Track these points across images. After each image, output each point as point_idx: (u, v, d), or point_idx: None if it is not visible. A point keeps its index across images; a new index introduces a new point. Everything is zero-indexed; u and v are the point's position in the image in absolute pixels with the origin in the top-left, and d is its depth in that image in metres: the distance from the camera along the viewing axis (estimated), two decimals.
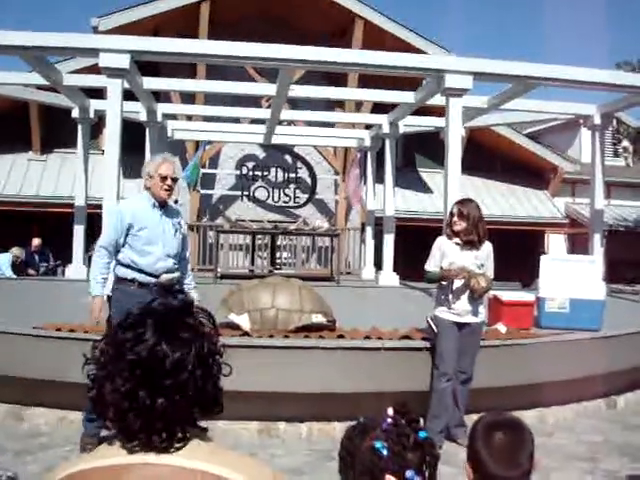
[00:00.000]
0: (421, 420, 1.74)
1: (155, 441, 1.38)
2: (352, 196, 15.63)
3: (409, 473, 1.64)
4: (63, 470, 1.43)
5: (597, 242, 11.65)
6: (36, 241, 14.38)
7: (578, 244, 18.88)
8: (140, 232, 4.99)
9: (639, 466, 5.19)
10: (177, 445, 1.39)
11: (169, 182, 5.09)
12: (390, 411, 1.75)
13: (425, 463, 1.70)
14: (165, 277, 5.05)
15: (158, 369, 1.38)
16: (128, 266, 5.01)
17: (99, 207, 8.50)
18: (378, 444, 1.67)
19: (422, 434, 1.72)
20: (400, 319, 6.89)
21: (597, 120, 11.63)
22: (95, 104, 12.07)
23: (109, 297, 5.13)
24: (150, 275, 4.99)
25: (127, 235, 4.99)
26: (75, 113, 12.20)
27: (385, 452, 1.66)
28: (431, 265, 5.57)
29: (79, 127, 12.36)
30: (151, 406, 1.37)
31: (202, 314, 1.52)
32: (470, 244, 5.47)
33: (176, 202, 5.47)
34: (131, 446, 1.39)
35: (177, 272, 5.22)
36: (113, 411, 1.41)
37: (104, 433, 4.44)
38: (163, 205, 5.15)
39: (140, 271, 4.98)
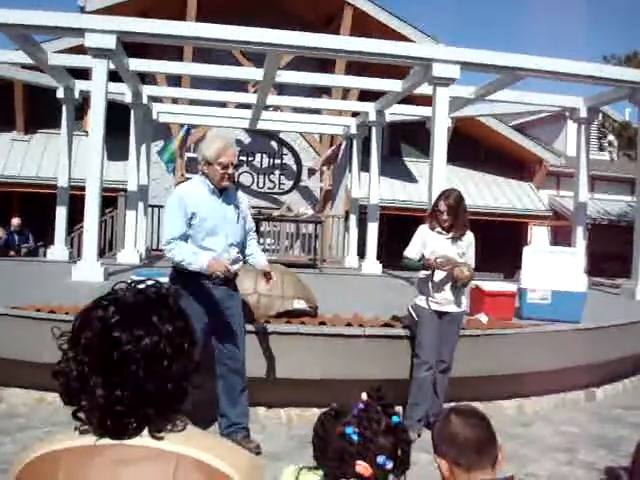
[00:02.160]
0: (396, 406, 1.73)
1: (107, 427, 1.36)
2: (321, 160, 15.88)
3: (380, 459, 1.64)
4: (35, 451, 1.42)
5: (580, 235, 11.70)
6: (15, 221, 14.26)
7: (561, 237, 18.98)
8: (202, 223, 4.68)
9: (616, 458, 5.23)
10: (129, 435, 1.36)
11: (230, 171, 4.73)
12: (364, 396, 1.74)
13: (398, 448, 1.69)
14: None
15: (107, 358, 1.35)
16: None
17: (82, 189, 8.45)
18: (349, 430, 1.67)
19: (395, 419, 1.71)
20: (382, 307, 6.89)
21: (583, 113, 11.66)
22: (80, 84, 11.96)
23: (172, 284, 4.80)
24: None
25: (190, 225, 4.68)
26: (60, 93, 12.06)
27: (356, 438, 1.65)
28: (411, 252, 5.57)
29: (64, 107, 12.23)
30: (97, 395, 1.35)
31: (176, 310, 1.46)
32: (453, 234, 5.48)
33: (237, 189, 5.07)
34: (83, 429, 1.38)
35: (241, 262, 4.98)
36: (66, 389, 1.39)
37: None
38: (222, 190, 4.81)
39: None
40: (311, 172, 17.53)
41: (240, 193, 5.10)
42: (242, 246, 4.99)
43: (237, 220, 4.87)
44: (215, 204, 4.75)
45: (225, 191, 4.82)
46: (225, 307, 4.86)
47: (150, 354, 1.37)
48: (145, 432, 1.37)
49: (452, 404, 2.18)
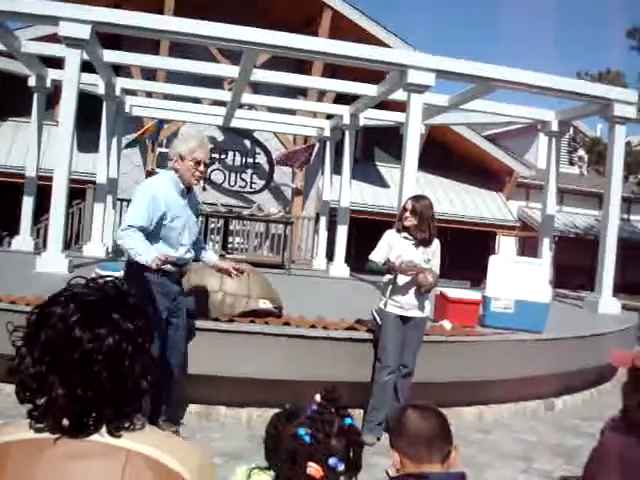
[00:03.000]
0: (357, 409, 1.72)
1: (63, 426, 1.34)
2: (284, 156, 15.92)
3: (332, 460, 1.63)
4: None
5: (546, 246, 11.82)
6: None
7: (528, 247, 19.19)
8: (173, 222, 4.68)
9: (572, 467, 5.29)
10: (85, 433, 1.34)
11: (202, 168, 4.76)
12: (317, 397, 1.73)
13: (350, 450, 1.68)
14: (186, 268, 4.98)
15: (66, 357, 1.32)
16: None
17: (50, 179, 8.35)
18: (301, 431, 1.66)
19: (347, 421, 1.70)
20: (348, 310, 6.90)
21: (554, 126, 11.78)
22: (53, 74, 11.82)
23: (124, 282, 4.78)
24: (175, 265, 4.75)
25: (159, 224, 4.63)
26: (32, 82, 11.90)
27: (308, 439, 1.64)
28: (376, 256, 5.58)
29: (35, 96, 12.10)
30: (57, 394, 1.32)
31: (136, 308, 1.45)
32: (420, 241, 5.49)
33: (205, 189, 5.12)
34: (38, 427, 1.35)
35: (191, 263, 5.10)
36: (24, 388, 1.37)
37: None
38: (189, 190, 4.85)
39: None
40: (274, 162, 17.45)
41: (196, 192, 5.14)
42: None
43: (196, 221, 4.99)
44: (182, 203, 4.77)
45: (190, 191, 4.86)
46: (177, 302, 4.89)
47: (112, 353, 1.35)
48: (102, 429, 1.35)
49: None
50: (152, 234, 4.64)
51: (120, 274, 4.88)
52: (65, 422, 1.33)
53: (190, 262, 5.06)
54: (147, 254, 4.45)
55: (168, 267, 4.60)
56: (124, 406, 1.39)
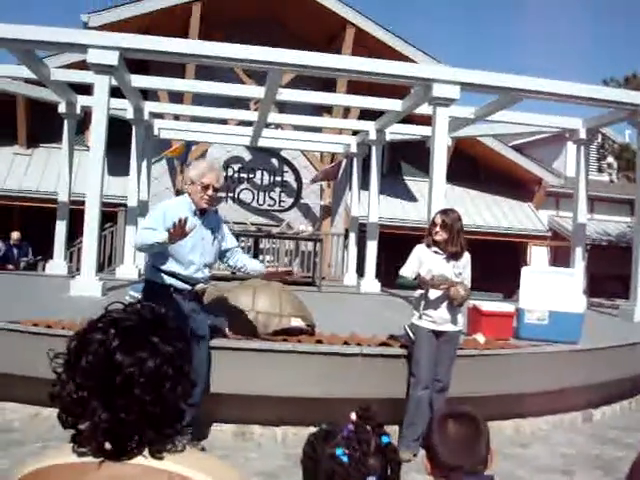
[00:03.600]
0: (392, 426, 1.72)
1: (105, 450, 1.35)
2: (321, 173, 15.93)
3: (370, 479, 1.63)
4: (30, 466, 1.42)
5: (579, 255, 11.71)
6: (15, 234, 14.28)
7: (560, 257, 19.00)
8: (190, 244, 4.84)
9: (612, 479, 5.21)
10: (127, 457, 1.36)
11: (210, 192, 4.92)
12: (353, 416, 1.73)
13: (387, 468, 1.68)
14: (199, 287, 5.04)
15: (109, 382, 1.34)
16: (167, 273, 4.88)
17: (82, 203, 8.46)
18: (339, 451, 1.65)
19: (385, 439, 1.70)
20: (380, 326, 6.88)
21: (582, 134, 11.71)
22: (82, 100, 12.03)
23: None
24: (187, 282, 4.92)
25: None
26: (62, 108, 12.13)
27: (346, 459, 1.64)
28: (406, 271, 5.57)
29: (65, 122, 12.30)
30: (100, 418, 1.34)
31: (175, 331, 1.47)
32: (451, 254, 5.48)
33: (216, 212, 5.30)
34: (81, 451, 1.37)
35: (209, 282, 5.22)
36: (67, 413, 1.39)
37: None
38: (203, 212, 5.00)
39: (179, 279, 4.88)
40: (306, 185, 17.53)
41: (219, 216, 5.36)
42: (211, 267, 5.20)
43: (212, 242, 5.06)
44: (197, 225, 4.85)
45: (205, 213, 5.01)
46: (192, 321, 4.95)
47: (153, 376, 1.36)
48: (144, 452, 1.37)
49: None
50: (161, 252, 4.80)
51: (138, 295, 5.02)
52: (107, 446, 1.35)
53: (205, 281, 5.14)
54: (161, 235, 4.56)
55: (179, 284, 4.83)
56: (165, 428, 1.40)
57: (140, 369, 1.36)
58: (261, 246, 15.37)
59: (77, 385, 1.36)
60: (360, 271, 13.78)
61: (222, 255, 5.30)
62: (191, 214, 4.86)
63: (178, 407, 1.42)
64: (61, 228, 12.08)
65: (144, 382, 1.35)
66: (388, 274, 12.58)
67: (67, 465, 1.37)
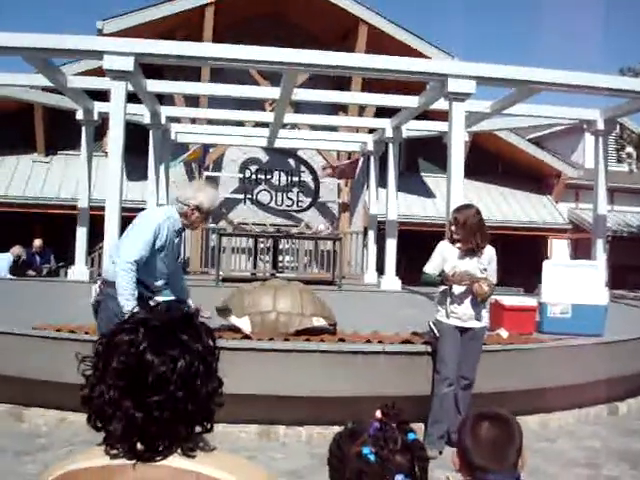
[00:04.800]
0: (417, 423, 1.72)
1: (138, 450, 1.37)
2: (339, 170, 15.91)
3: (399, 477, 1.62)
4: (55, 470, 1.43)
5: (600, 248, 11.61)
6: (37, 242, 14.38)
7: (581, 250, 18.86)
8: (163, 255, 4.87)
9: (639, 472, 5.17)
10: (160, 456, 1.37)
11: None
12: (378, 414, 1.73)
13: (415, 466, 1.68)
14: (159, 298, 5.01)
15: (141, 381, 1.36)
16: (138, 281, 4.78)
17: (102, 209, 8.51)
18: (365, 450, 1.65)
19: (411, 436, 1.69)
20: (401, 323, 6.88)
21: (600, 125, 11.60)
22: (99, 106, 12.09)
23: (98, 302, 4.92)
24: (150, 290, 4.94)
25: (151, 254, 4.78)
26: (79, 115, 12.21)
27: (373, 458, 1.63)
28: (430, 267, 5.56)
29: (83, 129, 12.39)
30: (133, 417, 1.35)
31: (202, 330, 1.48)
32: (471, 251, 5.46)
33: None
34: (113, 453, 1.38)
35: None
36: (98, 415, 1.40)
37: None
38: (182, 230, 5.09)
39: (146, 287, 4.86)
40: (323, 170, 17.48)
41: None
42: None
43: (177, 258, 5.15)
44: (175, 241, 4.99)
45: (183, 230, 5.09)
46: None
47: (185, 374, 1.38)
48: (174, 453, 1.38)
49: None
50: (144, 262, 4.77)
51: (172, 297, 5.04)
52: (139, 446, 1.36)
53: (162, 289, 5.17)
54: (130, 303, 4.54)
55: (143, 291, 4.79)
56: (196, 425, 1.42)
57: (171, 367, 1.37)
58: (280, 247, 15.39)
59: (108, 386, 1.37)
60: (380, 269, 13.75)
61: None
62: (175, 230, 4.94)
63: (209, 404, 1.43)
64: (82, 234, 12.16)
65: (176, 379, 1.37)
66: (408, 271, 12.58)
67: (95, 469, 1.38)
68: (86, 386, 1.42)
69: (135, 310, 4.35)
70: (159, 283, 4.96)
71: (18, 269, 13.50)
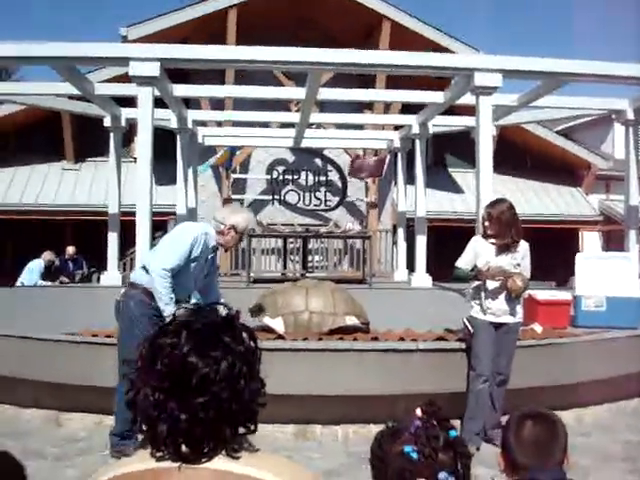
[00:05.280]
0: (453, 420, 1.72)
1: (183, 452, 1.38)
2: (365, 168, 15.85)
3: (442, 475, 1.62)
4: (102, 475, 1.44)
5: (633, 239, 11.47)
6: (70, 249, 14.53)
7: (613, 242, 18.65)
8: (192, 268, 4.95)
9: None
10: (205, 458, 1.38)
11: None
12: (418, 412, 1.73)
13: (458, 463, 1.67)
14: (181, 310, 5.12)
15: (185, 383, 1.37)
16: None
17: (132, 214, 8.59)
18: (408, 448, 1.65)
19: (452, 433, 1.69)
20: (434, 320, 6.86)
21: (630, 115, 11.46)
22: (126, 112, 12.19)
23: (120, 303, 5.05)
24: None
25: (184, 265, 4.88)
26: (107, 122, 12.33)
27: (415, 456, 1.63)
28: (462, 263, 5.54)
29: (111, 135, 12.50)
30: (178, 419, 1.36)
31: (244, 331, 1.49)
32: (505, 246, 5.43)
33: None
34: (159, 455, 1.39)
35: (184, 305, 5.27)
36: (143, 418, 1.42)
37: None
38: (217, 248, 5.20)
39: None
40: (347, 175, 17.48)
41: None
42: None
43: (205, 276, 5.19)
44: (209, 257, 5.09)
45: (217, 249, 5.20)
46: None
47: (228, 375, 1.39)
48: (219, 455, 1.39)
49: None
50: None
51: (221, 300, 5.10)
52: (185, 448, 1.38)
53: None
54: (170, 307, 4.68)
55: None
56: (240, 426, 1.44)
57: (215, 368, 1.38)
58: (310, 246, 15.42)
59: (153, 388, 1.39)
60: (410, 266, 13.71)
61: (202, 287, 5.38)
62: (210, 246, 5.05)
63: (251, 405, 1.44)
64: (113, 239, 12.27)
65: (220, 380, 1.38)
66: (438, 267, 12.52)
67: (143, 471, 1.39)
68: (131, 389, 1.44)
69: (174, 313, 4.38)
70: (180, 295, 4.97)
71: (51, 275, 13.65)
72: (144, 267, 4.99)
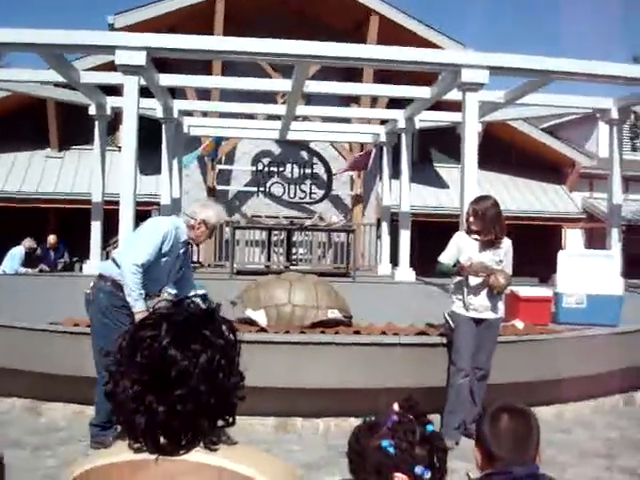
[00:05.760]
0: (433, 414, 1.73)
1: (160, 444, 1.38)
2: (350, 163, 15.90)
3: (418, 469, 1.64)
4: (80, 466, 1.45)
5: (615, 237, 11.56)
6: (52, 237, 14.42)
7: (596, 239, 18.77)
8: (163, 262, 4.98)
9: None
10: (183, 450, 1.39)
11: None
12: (395, 407, 1.74)
13: (434, 457, 1.69)
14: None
15: (164, 376, 1.37)
16: None
17: (116, 203, 8.55)
18: (385, 443, 1.66)
19: (429, 428, 1.71)
20: (416, 315, 6.88)
21: (614, 114, 11.53)
22: (112, 101, 12.13)
23: (89, 294, 5.07)
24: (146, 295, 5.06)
25: (154, 260, 4.90)
26: (92, 110, 12.25)
27: (392, 450, 1.65)
28: (445, 258, 5.56)
29: (96, 124, 12.42)
30: (156, 411, 1.37)
31: (224, 325, 1.49)
32: (488, 242, 5.45)
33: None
34: (137, 447, 1.40)
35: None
36: (121, 410, 1.42)
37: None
38: (189, 242, 5.23)
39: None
40: (336, 176, 17.54)
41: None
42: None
43: (179, 270, 5.23)
44: (179, 251, 5.10)
45: (189, 243, 5.23)
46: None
47: (207, 368, 1.39)
48: (197, 447, 1.40)
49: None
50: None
51: (203, 291, 5.10)
52: (162, 440, 1.38)
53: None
54: (140, 303, 4.75)
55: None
56: (218, 419, 1.44)
57: (194, 361, 1.39)
58: (294, 239, 15.41)
59: (132, 381, 1.39)
60: (394, 260, 13.75)
61: (177, 280, 5.39)
62: (181, 241, 5.07)
63: (230, 398, 1.45)
64: (96, 228, 12.22)
65: (199, 373, 1.38)
66: (422, 262, 12.56)
67: (121, 463, 1.40)
68: (110, 381, 1.44)
69: (144, 309, 4.43)
70: (151, 289, 5.01)
71: (31, 262, 13.54)
72: (114, 260, 5.02)
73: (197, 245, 5.30)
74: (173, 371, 1.37)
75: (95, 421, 5.03)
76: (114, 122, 13.56)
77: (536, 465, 2.05)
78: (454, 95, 9.66)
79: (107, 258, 13.84)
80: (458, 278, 5.54)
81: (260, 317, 6.06)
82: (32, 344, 5.96)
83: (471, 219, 5.48)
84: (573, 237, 20.15)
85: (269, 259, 15.26)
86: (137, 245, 4.93)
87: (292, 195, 17.55)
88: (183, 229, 5.07)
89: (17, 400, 6.15)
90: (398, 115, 12.98)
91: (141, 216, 13.08)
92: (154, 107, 11.93)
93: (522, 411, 2.14)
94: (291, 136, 14.52)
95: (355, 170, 17.05)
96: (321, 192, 17.69)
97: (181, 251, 5.11)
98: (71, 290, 9.82)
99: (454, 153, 13.52)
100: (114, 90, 11.55)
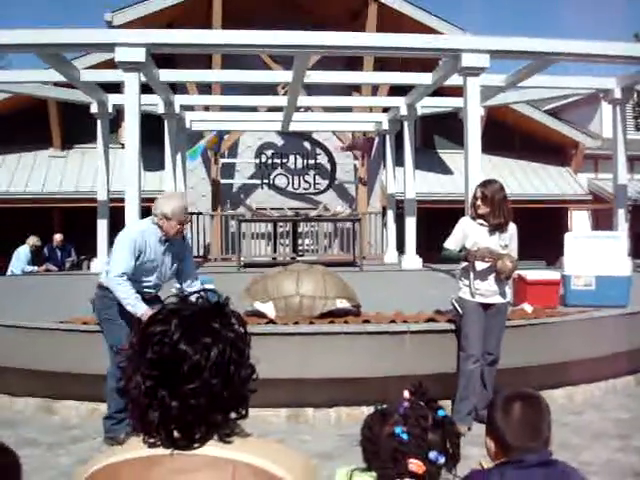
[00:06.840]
0: (444, 401, 1.73)
1: (175, 439, 1.39)
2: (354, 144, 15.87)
3: (432, 454, 1.65)
4: (95, 463, 1.45)
5: (621, 218, 11.52)
6: (58, 237, 14.44)
7: (602, 220, 18.71)
8: (144, 264, 5.10)
9: None
10: (197, 444, 1.40)
11: (183, 226, 5.27)
12: (406, 394, 1.75)
13: (447, 442, 1.70)
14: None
15: (176, 371, 1.38)
16: None
17: (121, 200, 8.55)
18: (398, 429, 1.67)
19: (441, 413, 1.72)
20: (424, 302, 6.88)
21: (617, 94, 11.47)
22: (113, 98, 12.12)
23: (92, 302, 5.33)
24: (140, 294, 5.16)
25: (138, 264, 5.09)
26: (94, 108, 12.25)
27: (405, 437, 1.66)
28: (450, 244, 5.56)
29: (98, 122, 12.41)
30: (169, 406, 1.38)
31: (234, 317, 1.50)
32: (496, 226, 5.44)
33: (183, 238, 5.50)
34: (151, 442, 1.41)
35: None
36: (134, 405, 1.43)
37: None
38: (167, 239, 5.26)
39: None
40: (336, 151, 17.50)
41: (186, 242, 5.66)
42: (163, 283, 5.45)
43: (171, 266, 5.33)
44: (160, 250, 5.19)
45: (168, 239, 5.24)
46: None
47: (219, 361, 1.40)
48: (211, 441, 1.41)
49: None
50: None
51: (211, 286, 5.10)
52: (176, 434, 1.39)
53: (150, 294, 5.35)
54: (138, 306, 4.90)
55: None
56: (231, 412, 1.45)
57: (205, 355, 1.40)
58: (300, 230, 15.41)
59: (144, 376, 1.40)
60: (400, 248, 13.74)
61: (178, 275, 5.47)
62: (159, 242, 5.16)
63: (242, 390, 1.46)
64: (102, 226, 12.22)
65: (210, 367, 1.39)
66: (428, 249, 12.55)
67: (133, 460, 1.40)
68: (122, 377, 1.44)
69: (145, 311, 4.46)
70: (141, 288, 5.12)
71: (37, 260, 13.57)
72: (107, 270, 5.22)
73: (171, 238, 5.20)
74: (185, 365, 1.38)
75: (108, 413, 5.12)
76: (116, 119, 13.53)
77: (548, 451, 2.05)
78: (455, 80, 9.62)
79: None
80: (464, 264, 5.53)
81: (269, 309, 6.07)
82: (43, 343, 5.98)
83: (479, 202, 5.45)
84: (579, 219, 20.10)
85: (275, 251, 15.26)
86: (113, 259, 5.10)
87: (296, 186, 17.54)
88: (151, 230, 5.16)
89: (30, 399, 6.18)
90: (400, 102, 12.94)
91: (147, 213, 13.16)
92: (156, 103, 11.92)
93: (532, 397, 2.14)
94: (293, 127, 14.49)
95: (356, 150, 17.03)
96: (325, 182, 17.67)
97: (163, 249, 5.19)
98: (80, 288, 9.87)
99: (457, 138, 13.47)
100: (115, 87, 11.54)
